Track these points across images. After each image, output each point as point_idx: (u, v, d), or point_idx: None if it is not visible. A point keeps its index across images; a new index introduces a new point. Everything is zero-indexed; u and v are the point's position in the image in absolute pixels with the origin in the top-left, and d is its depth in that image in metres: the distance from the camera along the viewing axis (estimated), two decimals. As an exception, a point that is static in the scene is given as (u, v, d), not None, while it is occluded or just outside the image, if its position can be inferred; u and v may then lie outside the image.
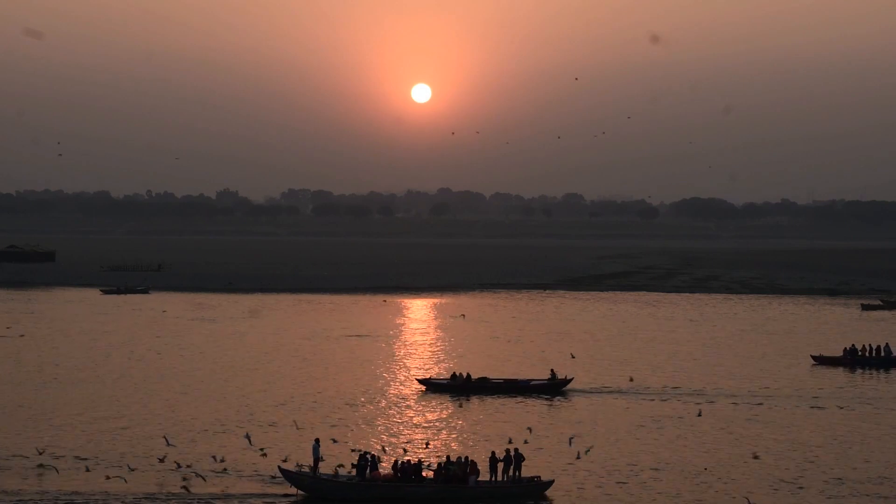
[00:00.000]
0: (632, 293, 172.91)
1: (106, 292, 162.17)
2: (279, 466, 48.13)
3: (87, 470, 49.72)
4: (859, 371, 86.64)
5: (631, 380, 77.95)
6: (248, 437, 54.96)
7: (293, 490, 46.75)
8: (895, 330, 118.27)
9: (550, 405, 69.18)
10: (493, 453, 48.25)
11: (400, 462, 47.31)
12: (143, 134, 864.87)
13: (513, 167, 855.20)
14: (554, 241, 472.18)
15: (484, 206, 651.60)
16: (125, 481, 47.85)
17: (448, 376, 75.84)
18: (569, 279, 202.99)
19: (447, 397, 71.33)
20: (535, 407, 68.44)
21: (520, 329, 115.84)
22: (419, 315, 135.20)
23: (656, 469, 51.42)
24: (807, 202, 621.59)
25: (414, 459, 48.33)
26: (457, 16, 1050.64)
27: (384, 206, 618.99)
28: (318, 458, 47.75)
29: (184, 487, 46.82)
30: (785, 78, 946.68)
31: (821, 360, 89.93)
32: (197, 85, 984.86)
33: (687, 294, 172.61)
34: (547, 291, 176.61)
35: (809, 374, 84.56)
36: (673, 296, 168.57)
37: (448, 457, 47.98)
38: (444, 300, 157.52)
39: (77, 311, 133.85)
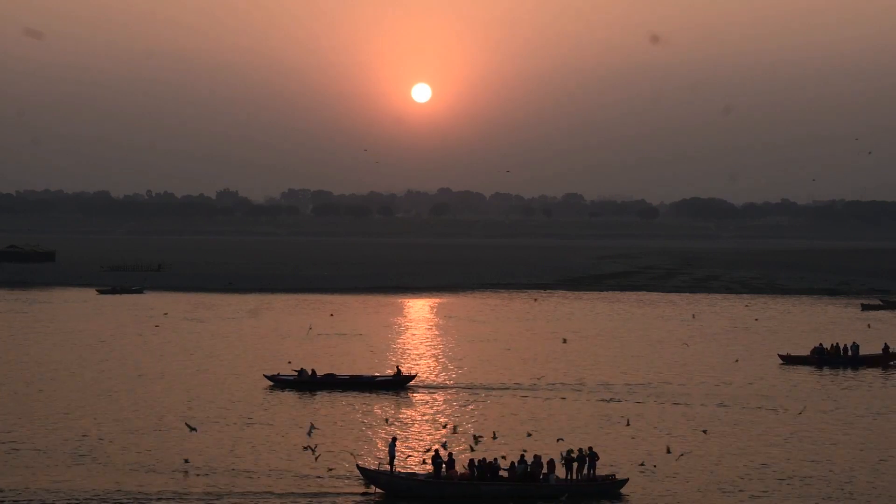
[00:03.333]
0: (632, 293, 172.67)
1: (102, 292, 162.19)
2: (358, 465, 48.55)
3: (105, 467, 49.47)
4: (826, 370, 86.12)
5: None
6: (311, 427, 55.57)
7: (371, 488, 47.14)
8: (882, 329, 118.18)
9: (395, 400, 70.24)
10: (569, 451, 48.57)
11: (476, 461, 47.57)
12: (143, 134, 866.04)
13: (513, 167, 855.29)
14: (554, 241, 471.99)
15: (484, 206, 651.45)
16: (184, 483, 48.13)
17: (296, 372, 76.26)
18: (569, 279, 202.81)
19: (293, 393, 72.14)
20: (380, 401, 69.37)
21: (510, 330, 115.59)
22: (412, 315, 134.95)
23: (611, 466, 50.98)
24: (807, 202, 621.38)
25: (490, 458, 48.34)
26: (457, 16, 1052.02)
27: (384, 206, 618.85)
28: (394, 456, 48.13)
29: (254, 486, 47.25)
30: (785, 78, 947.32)
31: (788, 360, 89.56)
32: (197, 85, 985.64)
33: (687, 294, 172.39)
34: (547, 291, 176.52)
35: (773, 373, 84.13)
36: (673, 296, 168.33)
37: (522, 455, 48.16)
38: (443, 300, 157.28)
39: (72, 311, 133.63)
